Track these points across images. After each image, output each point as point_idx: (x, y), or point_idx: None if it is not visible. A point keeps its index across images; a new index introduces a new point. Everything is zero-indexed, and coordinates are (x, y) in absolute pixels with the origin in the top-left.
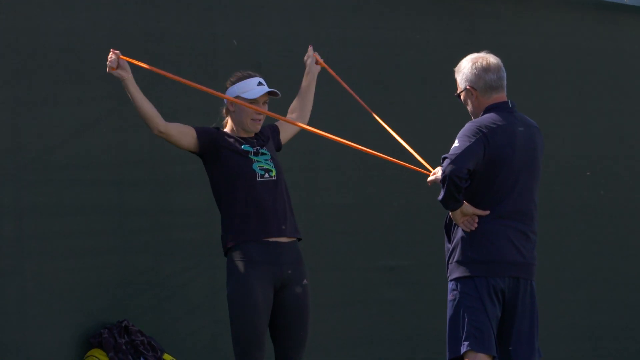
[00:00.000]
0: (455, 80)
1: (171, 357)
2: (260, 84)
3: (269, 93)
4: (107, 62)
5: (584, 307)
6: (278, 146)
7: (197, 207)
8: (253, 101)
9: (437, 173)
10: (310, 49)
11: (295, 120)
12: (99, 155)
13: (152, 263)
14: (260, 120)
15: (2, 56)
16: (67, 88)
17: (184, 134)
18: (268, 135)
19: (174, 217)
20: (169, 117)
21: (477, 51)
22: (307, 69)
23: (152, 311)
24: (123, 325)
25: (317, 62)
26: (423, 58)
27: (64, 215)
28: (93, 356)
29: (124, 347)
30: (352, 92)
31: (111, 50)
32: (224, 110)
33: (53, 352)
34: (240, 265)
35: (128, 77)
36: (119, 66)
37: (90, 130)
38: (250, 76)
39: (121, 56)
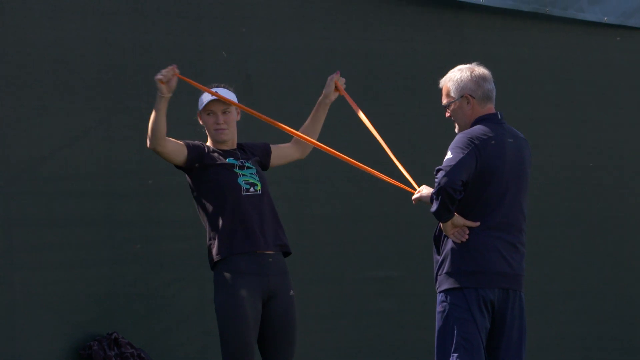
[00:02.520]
0: (440, 91)
1: None
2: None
3: (222, 102)
4: (163, 71)
5: (573, 317)
6: (265, 165)
7: (186, 219)
8: (208, 112)
9: (421, 191)
10: (337, 73)
11: (299, 150)
12: (87, 166)
13: (141, 274)
14: (223, 129)
15: None
16: (55, 99)
17: (178, 151)
18: (255, 152)
19: (163, 228)
20: None
21: (467, 62)
22: (323, 95)
23: (142, 323)
24: (112, 337)
25: (336, 88)
26: (412, 69)
27: (53, 226)
28: None
29: (113, 359)
30: (364, 119)
31: (174, 65)
32: None
33: None
34: (228, 277)
35: (167, 96)
36: (168, 81)
37: (79, 142)
38: (211, 88)
39: (177, 74)
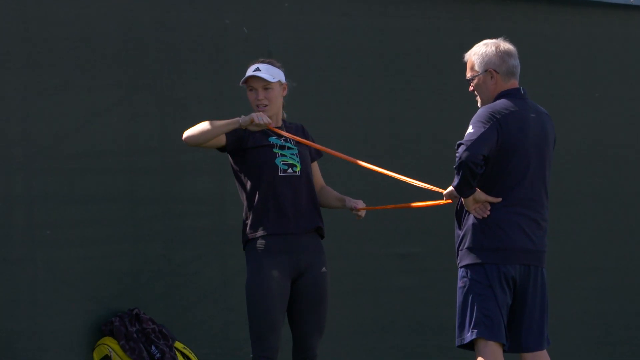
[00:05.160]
0: (464, 65)
1: (182, 345)
2: (256, 69)
3: (262, 78)
4: (264, 119)
5: (596, 294)
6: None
7: (208, 195)
8: (250, 88)
9: (449, 188)
10: (362, 212)
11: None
12: (109, 143)
13: (163, 251)
14: (263, 105)
15: (12, 45)
16: (77, 77)
17: (215, 141)
18: (305, 139)
19: (184, 205)
20: (179, 105)
21: (488, 38)
22: (346, 202)
23: (164, 299)
24: (134, 313)
25: (356, 209)
26: (434, 45)
27: (74, 203)
28: (104, 344)
29: (135, 335)
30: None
31: (271, 123)
32: None
33: (64, 340)
34: (257, 255)
35: (240, 127)
36: (257, 126)
37: (100, 119)
38: (254, 63)
39: (270, 126)
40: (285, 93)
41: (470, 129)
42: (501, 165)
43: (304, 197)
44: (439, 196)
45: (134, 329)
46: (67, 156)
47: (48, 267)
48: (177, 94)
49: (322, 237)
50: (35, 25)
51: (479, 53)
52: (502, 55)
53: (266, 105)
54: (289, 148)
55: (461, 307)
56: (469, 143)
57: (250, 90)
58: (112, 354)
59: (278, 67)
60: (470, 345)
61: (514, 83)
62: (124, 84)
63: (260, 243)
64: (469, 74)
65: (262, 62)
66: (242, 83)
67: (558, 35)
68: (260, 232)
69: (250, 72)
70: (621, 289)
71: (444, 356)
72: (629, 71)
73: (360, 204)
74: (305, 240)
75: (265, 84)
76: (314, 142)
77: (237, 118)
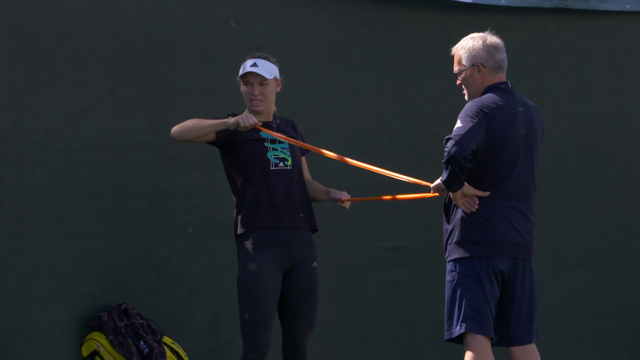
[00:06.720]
0: (452, 59)
1: (171, 340)
2: (254, 65)
3: (259, 74)
4: (250, 120)
5: (585, 286)
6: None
7: (197, 189)
8: (245, 82)
9: (436, 181)
10: (347, 203)
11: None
12: (98, 138)
13: (151, 245)
14: (258, 101)
15: (0, 39)
16: (66, 71)
17: (205, 137)
18: (294, 134)
19: (173, 199)
20: (168, 99)
21: (476, 30)
22: (331, 193)
23: (152, 294)
24: (122, 308)
25: (341, 201)
26: (422, 38)
27: (63, 198)
28: (92, 339)
29: (123, 330)
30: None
31: (259, 123)
32: None
33: (53, 335)
34: (249, 249)
35: (228, 129)
36: (244, 127)
37: (89, 113)
38: (251, 57)
39: (258, 126)
40: (279, 89)
41: (458, 124)
42: (490, 159)
43: (295, 191)
44: (426, 189)
45: (123, 323)
46: (56, 151)
47: (37, 262)
48: (166, 88)
49: (314, 231)
50: (23, 20)
51: (466, 47)
52: (489, 49)
53: (261, 101)
54: (279, 142)
55: (450, 301)
56: (457, 138)
57: (246, 84)
58: (101, 349)
59: (274, 63)
60: (459, 339)
61: (502, 77)
62: (113, 79)
63: (253, 237)
64: (456, 68)
65: (258, 56)
66: (239, 78)
67: (547, 28)
68: (252, 227)
69: (247, 67)
70: (610, 281)
71: (434, 350)
72: (619, 63)
73: (344, 195)
74: (297, 234)
75: (262, 80)
76: (302, 137)
77: (225, 120)
